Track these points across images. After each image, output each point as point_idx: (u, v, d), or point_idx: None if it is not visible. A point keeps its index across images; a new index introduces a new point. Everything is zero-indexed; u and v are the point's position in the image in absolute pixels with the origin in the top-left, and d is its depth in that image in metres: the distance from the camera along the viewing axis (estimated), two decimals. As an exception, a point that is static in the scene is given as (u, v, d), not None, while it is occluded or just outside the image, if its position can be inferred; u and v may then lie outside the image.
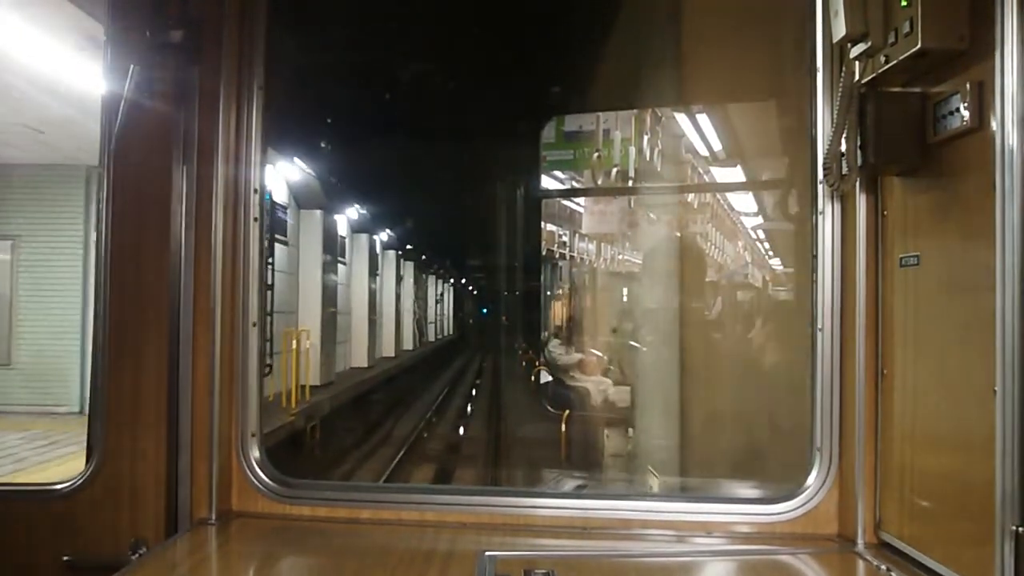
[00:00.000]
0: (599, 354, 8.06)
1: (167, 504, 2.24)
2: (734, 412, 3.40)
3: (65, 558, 2.22)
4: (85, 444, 2.38)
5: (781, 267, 4.01)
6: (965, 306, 1.70)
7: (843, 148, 1.97)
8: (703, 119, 5.56)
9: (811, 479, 2.18)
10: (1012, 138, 1.49)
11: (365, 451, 13.06)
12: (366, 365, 18.57)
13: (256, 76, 2.36)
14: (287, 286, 14.13)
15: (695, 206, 5.21)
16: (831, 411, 2.16)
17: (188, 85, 2.26)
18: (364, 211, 18.57)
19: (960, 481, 1.72)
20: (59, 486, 2.30)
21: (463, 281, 50.81)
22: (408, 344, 26.58)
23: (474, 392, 23.00)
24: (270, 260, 12.56)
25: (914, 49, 1.70)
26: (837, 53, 2.07)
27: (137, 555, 2.17)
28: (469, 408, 19.54)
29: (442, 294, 42.00)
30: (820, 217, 2.19)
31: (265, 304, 2.43)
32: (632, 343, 4.83)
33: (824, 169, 2.04)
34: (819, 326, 2.19)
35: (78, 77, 8.01)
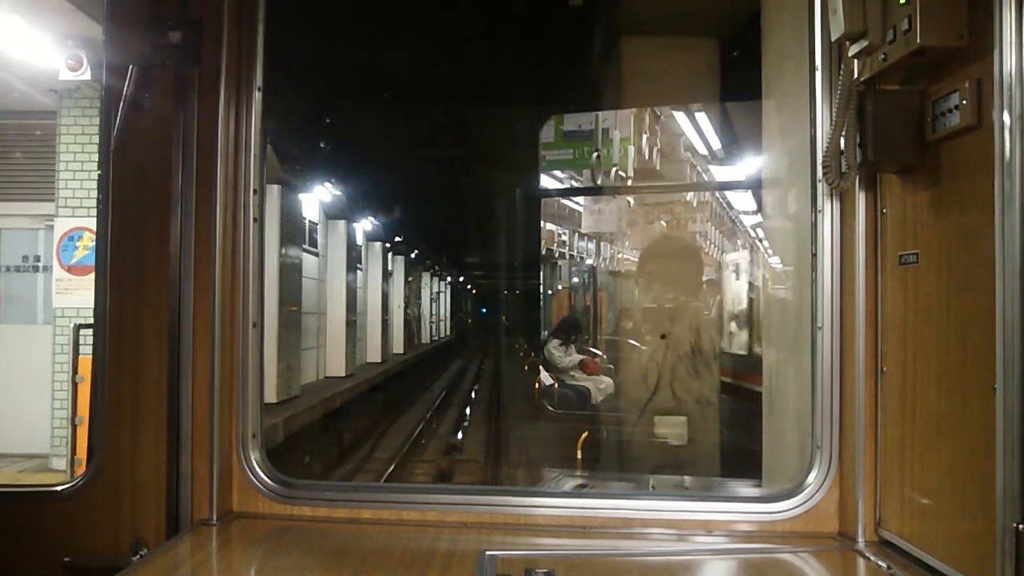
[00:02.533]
0: (599, 353, 8.07)
1: (168, 505, 2.24)
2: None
3: (66, 559, 2.22)
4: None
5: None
6: (965, 303, 1.70)
7: (842, 146, 1.97)
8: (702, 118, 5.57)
9: (811, 477, 2.19)
10: (1011, 135, 1.49)
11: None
12: (344, 374, 15.77)
13: (255, 76, 2.36)
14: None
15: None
16: (831, 409, 2.17)
17: (187, 86, 2.26)
18: (341, 193, 15.76)
19: (961, 478, 1.72)
20: (60, 487, 2.30)
21: (461, 279, 50.67)
22: (398, 347, 24.09)
23: (473, 394, 22.51)
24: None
25: (913, 47, 1.70)
26: (836, 51, 2.08)
27: (138, 556, 2.18)
28: (465, 418, 18.14)
29: (438, 293, 41.32)
30: (819, 215, 2.20)
31: (262, 303, 2.43)
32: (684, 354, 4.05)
33: (824, 167, 2.04)
34: (819, 324, 2.19)
35: None
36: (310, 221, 14.21)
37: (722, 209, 8.07)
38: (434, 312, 39.19)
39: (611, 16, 4.73)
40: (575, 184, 6.95)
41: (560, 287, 11.21)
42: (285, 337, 11.54)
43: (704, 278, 4.74)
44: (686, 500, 2.37)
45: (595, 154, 6.06)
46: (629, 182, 6.58)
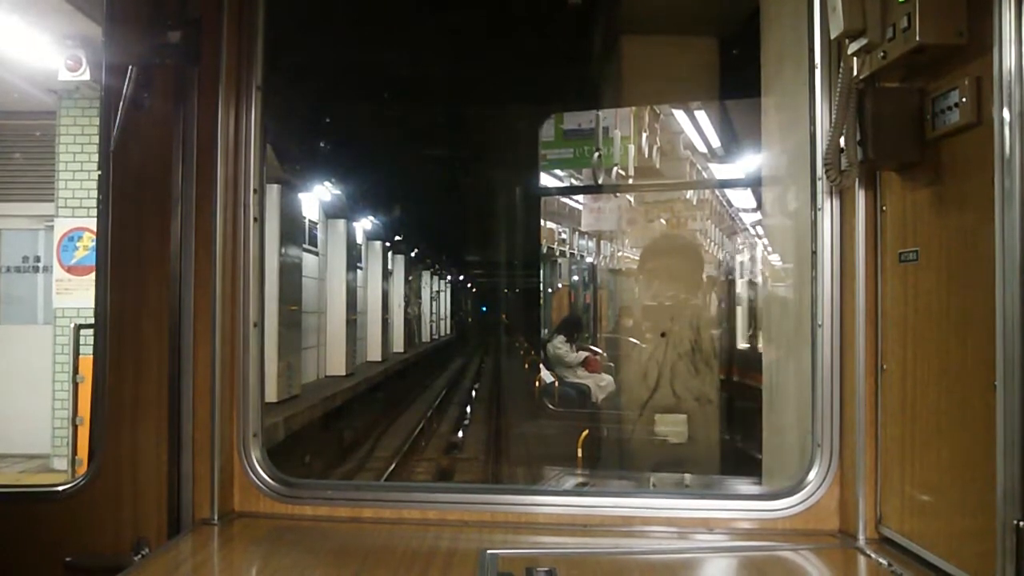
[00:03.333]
0: (600, 351, 8.07)
1: (169, 504, 2.24)
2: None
3: (67, 559, 2.22)
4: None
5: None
6: (965, 300, 1.70)
7: (842, 144, 1.97)
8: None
9: (812, 475, 2.19)
10: (1011, 132, 1.49)
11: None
12: (344, 373, 15.56)
13: (254, 76, 2.36)
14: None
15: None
16: (831, 407, 2.17)
17: (187, 85, 2.26)
18: (340, 192, 15.71)
19: (961, 476, 1.72)
20: (61, 487, 2.30)
21: (461, 278, 50.65)
22: (398, 346, 24.05)
23: (473, 392, 22.44)
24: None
25: (912, 45, 1.70)
26: (835, 49, 2.08)
27: (139, 556, 2.18)
28: (466, 417, 18.01)
29: (438, 291, 41.26)
30: (819, 213, 2.20)
31: (263, 303, 2.43)
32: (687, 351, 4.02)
33: (825, 165, 2.04)
34: (819, 322, 2.19)
35: None
36: (310, 220, 14.19)
37: (722, 207, 8.07)
38: (434, 311, 39.15)
39: (610, 15, 4.73)
40: (575, 182, 6.95)
41: (560, 285, 11.23)
42: (285, 336, 11.51)
43: (704, 276, 4.73)
44: (686, 498, 2.38)
45: (596, 153, 6.05)
46: (629, 180, 6.58)
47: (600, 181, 6.61)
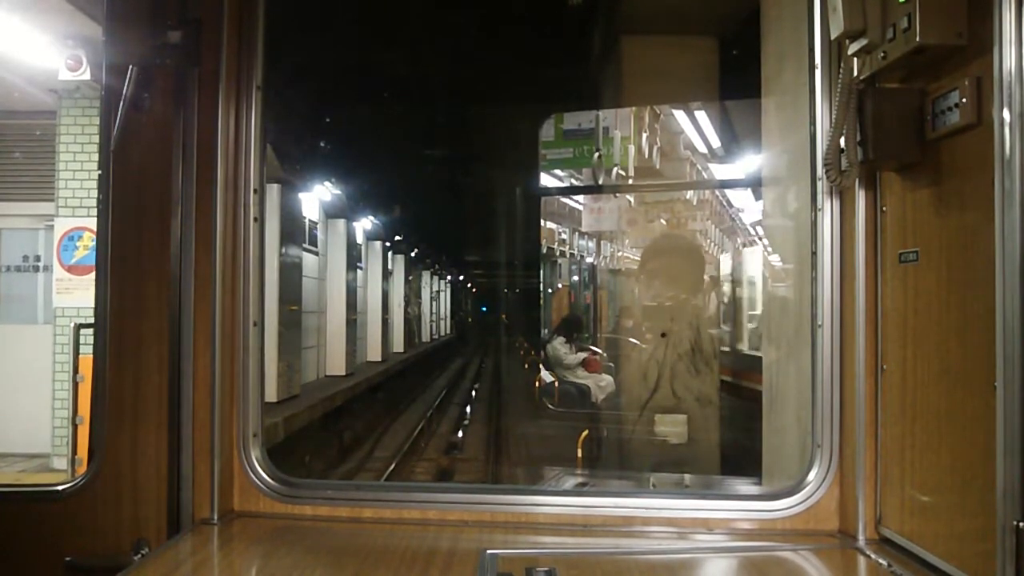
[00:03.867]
0: (600, 351, 8.09)
1: (169, 504, 2.24)
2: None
3: (67, 559, 2.22)
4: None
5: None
6: (965, 301, 1.70)
7: (842, 144, 1.97)
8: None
9: (812, 475, 2.19)
10: (1011, 133, 1.49)
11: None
12: (343, 373, 15.52)
13: (255, 76, 2.36)
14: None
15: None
16: (831, 407, 2.17)
17: (187, 85, 2.26)
18: (341, 192, 15.64)
19: (961, 476, 1.72)
20: (61, 487, 2.30)
21: (461, 278, 50.68)
22: (398, 346, 24.10)
23: (473, 393, 22.42)
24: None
25: (912, 45, 1.70)
26: (835, 49, 2.08)
27: (139, 555, 2.18)
28: (466, 417, 17.95)
29: (438, 291, 41.27)
30: (819, 213, 2.20)
31: (263, 303, 2.44)
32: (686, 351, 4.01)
33: (825, 165, 2.04)
34: (819, 322, 2.19)
35: None
36: (310, 220, 14.21)
37: (722, 208, 8.08)
38: (434, 311, 39.16)
39: (611, 15, 4.74)
40: (575, 182, 6.95)
41: (560, 285, 11.25)
42: (285, 336, 11.52)
43: (705, 276, 4.74)
44: (686, 498, 2.38)
45: (596, 153, 6.05)
46: (629, 181, 6.58)
47: (600, 181, 6.62)
